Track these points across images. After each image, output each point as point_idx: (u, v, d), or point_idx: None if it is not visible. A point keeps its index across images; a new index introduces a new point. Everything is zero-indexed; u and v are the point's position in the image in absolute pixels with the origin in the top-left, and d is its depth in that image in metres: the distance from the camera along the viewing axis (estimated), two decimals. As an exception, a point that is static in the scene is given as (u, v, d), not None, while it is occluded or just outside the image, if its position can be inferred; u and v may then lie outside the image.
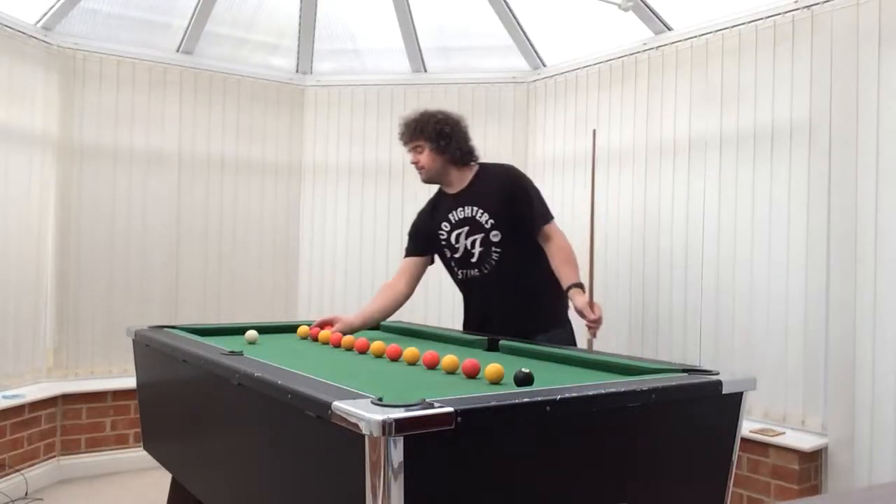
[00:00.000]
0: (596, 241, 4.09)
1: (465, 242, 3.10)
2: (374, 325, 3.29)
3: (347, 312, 4.70)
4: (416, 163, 3.16)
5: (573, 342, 3.06)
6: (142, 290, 4.33)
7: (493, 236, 3.03)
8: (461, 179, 3.16)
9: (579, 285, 2.87)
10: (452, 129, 3.11)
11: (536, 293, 3.04)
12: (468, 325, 3.23)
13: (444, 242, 3.17)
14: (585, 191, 4.22)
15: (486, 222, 3.05)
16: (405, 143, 3.19)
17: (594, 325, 2.81)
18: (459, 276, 3.18)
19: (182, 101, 4.48)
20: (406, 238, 3.35)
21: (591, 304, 2.81)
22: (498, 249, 3.04)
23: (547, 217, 3.06)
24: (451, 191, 3.18)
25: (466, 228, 3.09)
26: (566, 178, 4.31)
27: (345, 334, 2.90)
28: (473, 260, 3.09)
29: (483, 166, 3.20)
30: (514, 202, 3.02)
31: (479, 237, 3.06)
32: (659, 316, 3.76)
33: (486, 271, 3.08)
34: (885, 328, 2.89)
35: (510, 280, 3.04)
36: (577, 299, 2.84)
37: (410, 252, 3.27)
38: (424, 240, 3.24)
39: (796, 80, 3.23)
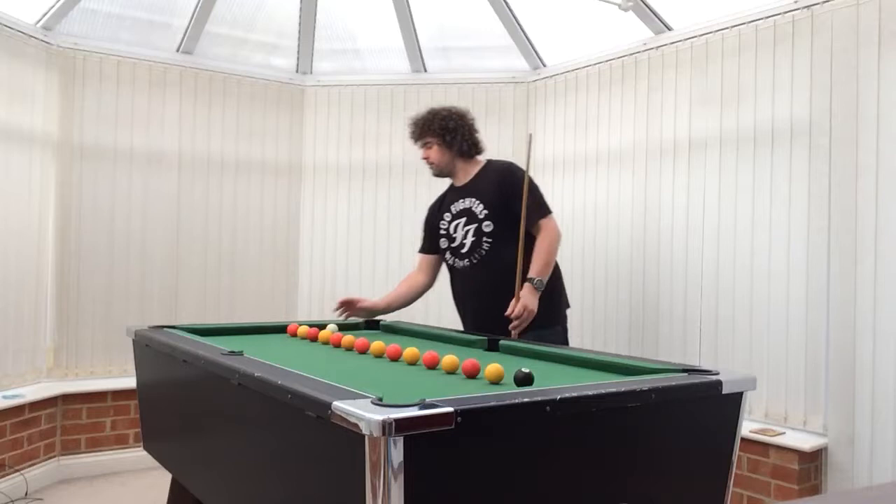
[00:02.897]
0: (597, 241, 4.12)
1: (460, 232, 3.20)
2: (397, 309, 3.47)
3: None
4: (426, 158, 3.30)
5: (564, 344, 3.07)
6: (142, 290, 4.33)
7: (486, 226, 3.12)
8: (467, 173, 3.28)
9: (533, 280, 2.96)
10: (458, 123, 3.26)
11: (505, 298, 3.01)
12: (465, 319, 3.28)
13: (443, 232, 3.28)
14: (585, 190, 4.23)
15: (481, 213, 3.14)
16: (415, 141, 3.34)
17: (516, 324, 2.91)
18: (450, 264, 3.28)
19: (182, 101, 4.48)
20: (417, 234, 3.50)
21: (516, 301, 2.90)
22: (489, 240, 3.12)
23: (543, 211, 3.11)
24: (458, 184, 3.32)
25: (464, 219, 3.19)
26: (566, 177, 4.31)
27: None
28: (464, 250, 3.18)
29: (489, 162, 3.31)
30: (509, 194, 3.09)
31: (472, 227, 3.16)
32: (659, 316, 3.76)
33: (475, 261, 3.15)
34: (886, 328, 2.89)
35: (499, 272, 3.06)
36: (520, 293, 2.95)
37: (423, 250, 3.44)
38: (431, 236, 3.38)
39: (796, 80, 3.23)
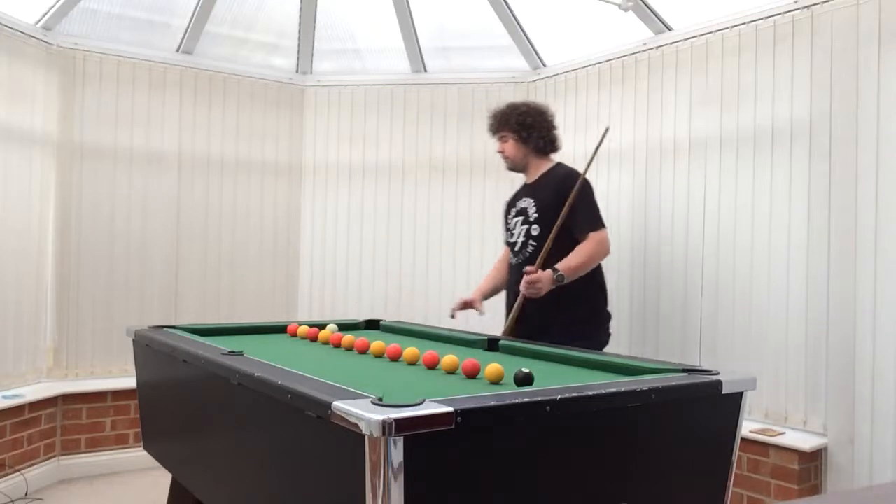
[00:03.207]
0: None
1: (517, 230, 3.32)
2: (492, 295, 3.53)
3: (348, 311, 4.75)
4: (501, 151, 3.38)
5: None
6: (142, 290, 4.33)
7: (533, 230, 3.21)
8: (537, 171, 3.35)
9: (556, 272, 2.98)
10: (535, 119, 3.32)
11: (557, 298, 3.04)
12: (507, 315, 3.34)
13: (508, 227, 3.40)
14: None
15: (532, 215, 3.24)
16: (493, 134, 3.42)
17: (528, 286, 2.97)
18: (510, 258, 3.38)
19: (182, 101, 4.48)
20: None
21: (535, 271, 2.99)
22: (534, 244, 3.19)
23: (595, 224, 3.13)
24: (528, 181, 3.40)
25: (521, 218, 3.31)
26: (566, 178, 4.30)
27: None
28: (516, 248, 3.29)
29: (558, 164, 3.36)
30: (560, 201, 3.12)
31: (524, 228, 3.25)
32: (659, 316, 3.75)
33: (520, 261, 3.23)
34: (886, 328, 2.89)
35: None
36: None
37: (505, 241, 3.53)
38: (504, 229, 3.49)
39: (796, 80, 3.23)
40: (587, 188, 3.19)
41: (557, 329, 3.01)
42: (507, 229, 3.41)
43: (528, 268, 3.01)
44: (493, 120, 3.40)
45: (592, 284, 3.16)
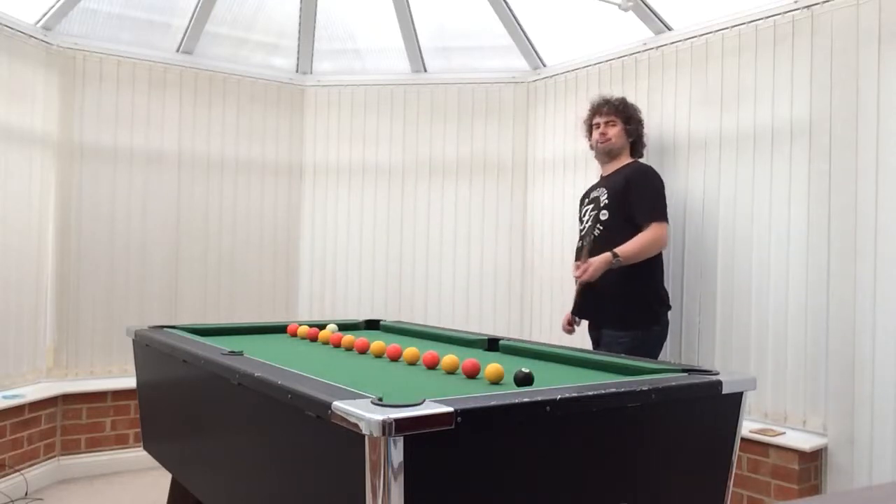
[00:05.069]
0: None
1: (586, 217, 3.46)
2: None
3: (348, 312, 4.73)
4: (603, 133, 3.48)
5: (635, 352, 2.96)
6: (142, 290, 4.33)
7: (602, 214, 3.36)
8: (617, 164, 3.48)
9: (615, 255, 3.15)
10: (640, 122, 3.52)
11: (614, 284, 3.22)
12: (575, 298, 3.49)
13: (580, 216, 3.57)
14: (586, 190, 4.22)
15: (603, 201, 3.38)
16: (602, 115, 3.50)
17: (578, 273, 3.23)
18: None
19: (182, 101, 4.48)
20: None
21: (584, 263, 3.22)
22: (601, 228, 3.32)
23: (657, 215, 3.24)
24: (604, 174, 3.54)
25: (592, 206, 3.45)
26: (566, 177, 4.31)
27: None
28: (583, 233, 3.46)
29: (636, 161, 3.49)
30: (630, 188, 3.30)
31: (594, 214, 3.41)
32: (659, 316, 3.75)
33: (587, 245, 3.33)
34: (885, 328, 2.89)
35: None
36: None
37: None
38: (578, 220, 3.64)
39: (796, 80, 3.23)
40: (657, 179, 3.33)
41: (609, 315, 3.28)
42: (580, 219, 3.55)
43: (578, 262, 3.26)
44: (606, 103, 3.50)
45: (631, 275, 3.24)
